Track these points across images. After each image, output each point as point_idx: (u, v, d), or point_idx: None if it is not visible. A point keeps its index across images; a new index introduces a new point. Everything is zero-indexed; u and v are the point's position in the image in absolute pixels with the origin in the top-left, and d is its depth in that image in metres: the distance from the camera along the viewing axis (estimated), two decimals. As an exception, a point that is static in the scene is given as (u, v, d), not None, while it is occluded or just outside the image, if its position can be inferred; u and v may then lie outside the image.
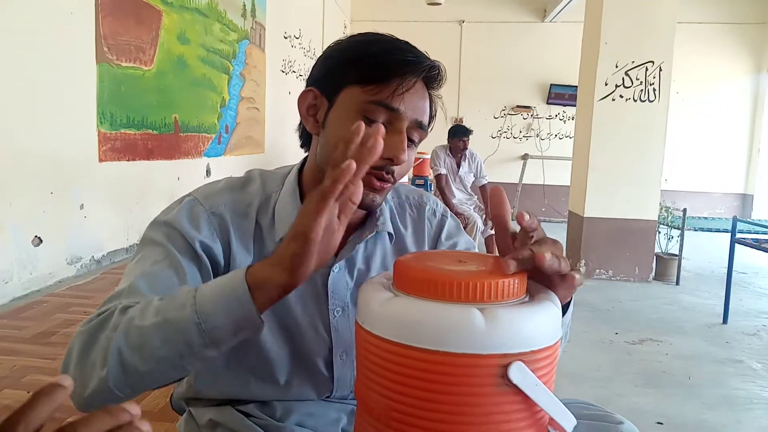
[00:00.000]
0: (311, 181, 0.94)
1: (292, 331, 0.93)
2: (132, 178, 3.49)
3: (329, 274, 0.93)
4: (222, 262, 0.89)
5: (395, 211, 1.03)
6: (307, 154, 0.98)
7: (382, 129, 0.67)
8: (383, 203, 0.96)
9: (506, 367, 0.56)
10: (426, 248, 1.04)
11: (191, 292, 0.70)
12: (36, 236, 2.67)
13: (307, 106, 0.91)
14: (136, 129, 3.53)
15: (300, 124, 0.95)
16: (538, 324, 0.59)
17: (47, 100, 2.73)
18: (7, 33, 2.47)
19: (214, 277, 0.85)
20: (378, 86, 0.84)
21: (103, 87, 3.16)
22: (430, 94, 0.91)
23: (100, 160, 3.17)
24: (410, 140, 0.89)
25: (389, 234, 0.99)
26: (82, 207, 3.02)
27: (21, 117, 2.58)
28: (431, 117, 0.93)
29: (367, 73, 0.85)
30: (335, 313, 0.94)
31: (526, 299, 0.63)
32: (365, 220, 0.97)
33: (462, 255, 0.73)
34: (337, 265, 0.94)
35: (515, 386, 0.56)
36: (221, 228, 0.88)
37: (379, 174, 0.86)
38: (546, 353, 0.59)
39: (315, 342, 0.93)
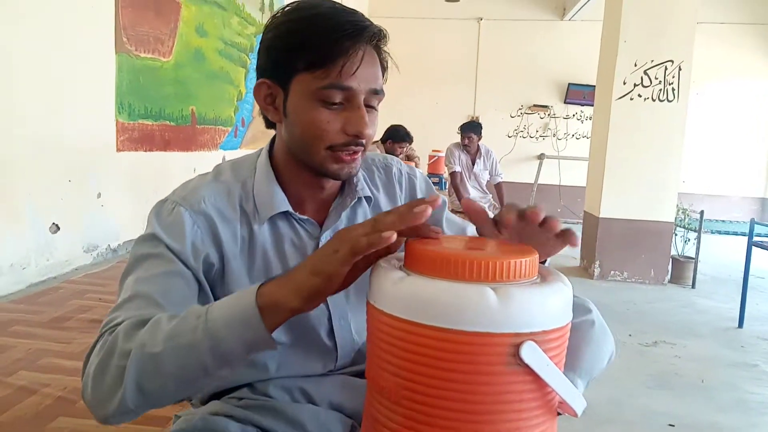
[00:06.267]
0: (284, 163, 0.95)
1: None
2: (149, 168, 3.52)
3: (317, 246, 0.95)
4: (216, 263, 0.89)
5: (365, 175, 1.04)
6: (274, 135, 1.00)
7: (438, 201, 0.66)
8: None
9: (518, 346, 0.56)
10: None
11: (201, 316, 0.70)
12: (54, 224, 2.71)
13: (263, 97, 0.91)
14: (154, 120, 3.56)
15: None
16: (551, 304, 0.59)
17: (66, 89, 2.76)
18: (29, 24, 2.50)
19: (207, 280, 0.88)
20: (326, 70, 0.83)
21: (122, 77, 3.19)
22: (378, 55, 0.90)
23: (118, 150, 3.20)
24: (370, 107, 0.89)
25: (367, 198, 1.02)
26: (99, 196, 3.05)
27: (40, 106, 2.61)
28: (384, 69, 0.92)
29: (313, 60, 0.84)
30: None
31: (538, 280, 0.63)
32: (343, 187, 1.00)
33: (471, 238, 0.73)
34: (324, 234, 0.96)
35: (527, 366, 0.56)
36: (208, 225, 0.88)
37: (348, 149, 0.88)
38: (557, 334, 0.59)
39: (315, 314, 0.93)
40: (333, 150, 0.87)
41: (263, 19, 5.31)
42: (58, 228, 2.73)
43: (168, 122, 3.74)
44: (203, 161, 4.25)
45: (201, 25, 4.11)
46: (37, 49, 2.56)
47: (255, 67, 0.95)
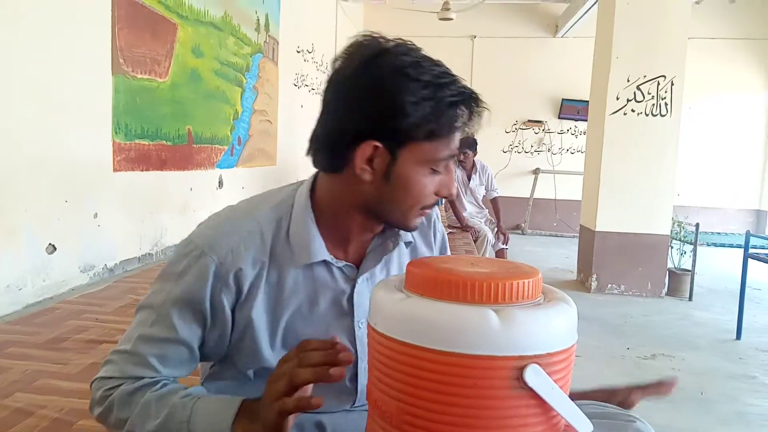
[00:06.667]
0: (334, 208, 0.90)
1: None
2: (145, 188, 3.51)
3: (354, 288, 0.92)
4: (232, 315, 0.87)
5: None
6: (315, 171, 0.94)
7: (352, 358, 0.71)
8: None
9: (522, 369, 0.56)
10: (435, 254, 1.07)
11: (183, 422, 0.78)
12: (50, 244, 2.69)
13: (365, 158, 0.83)
14: (150, 140, 3.56)
15: (312, 144, 0.89)
16: (554, 326, 0.59)
17: (63, 110, 2.76)
18: (27, 45, 2.52)
19: (222, 328, 0.87)
20: (446, 141, 0.84)
21: (119, 98, 3.19)
22: None
23: (115, 170, 3.19)
24: None
25: (406, 242, 1.00)
26: (96, 216, 3.04)
27: (38, 128, 2.61)
28: None
29: (437, 131, 0.82)
30: (360, 325, 0.93)
31: (541, 301, 0.62)
32: (383, 229, 0.96)
33: (473, 258, 0.73)
34: (361, 278, 0.93)
35: (530, 389, 0.56)
36: (234, 279, 0.85)
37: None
38: (562, 356, 0.59)
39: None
40: (424, 209, 0.89)
41: (259, 39, 5.34)
42: (55, 248, 2.71)
43: (164, 142, 3.73)
44: (200, 180, 4.25)
45: (197, 46, 4.12)
46: (35, 72, 2.57)
47: (331, 110, 0.87)
